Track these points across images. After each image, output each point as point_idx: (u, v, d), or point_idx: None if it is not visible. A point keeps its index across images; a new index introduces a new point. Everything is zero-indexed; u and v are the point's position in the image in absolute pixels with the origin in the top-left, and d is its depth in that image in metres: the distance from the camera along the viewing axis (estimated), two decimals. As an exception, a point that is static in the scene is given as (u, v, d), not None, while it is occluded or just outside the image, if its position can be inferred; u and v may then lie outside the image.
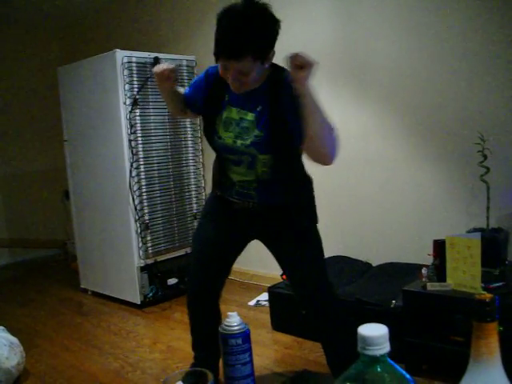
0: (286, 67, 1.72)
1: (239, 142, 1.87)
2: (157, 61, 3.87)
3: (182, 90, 2.13)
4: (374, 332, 0.66)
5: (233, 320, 1.26)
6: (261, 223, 2.05)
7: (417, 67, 3.21)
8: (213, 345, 2.20)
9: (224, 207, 2.08)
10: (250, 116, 1.86)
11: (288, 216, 2.00)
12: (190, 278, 2.27)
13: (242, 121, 1.87)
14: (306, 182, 2.07)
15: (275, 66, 1.87)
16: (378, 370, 0.68)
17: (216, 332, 2.16)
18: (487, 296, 0.74)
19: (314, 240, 2.06)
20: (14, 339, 2.87)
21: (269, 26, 1.67)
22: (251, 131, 1.84)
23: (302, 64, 1.59)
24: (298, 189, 2.03)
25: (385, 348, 0.67)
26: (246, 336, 1.26)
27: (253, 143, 1.84)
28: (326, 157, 1.73)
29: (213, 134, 1.95)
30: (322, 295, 2.06)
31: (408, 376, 0.69)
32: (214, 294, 2.24)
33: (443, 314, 2.42)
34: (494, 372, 0.72)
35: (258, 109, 1.85)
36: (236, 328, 1.25)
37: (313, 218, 2.08)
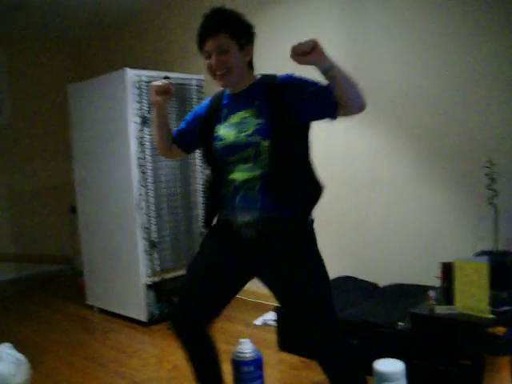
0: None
1: (242, 134, 1.89)
2: (166, 80, 3.91)
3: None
4: (391, 368, 0.67)
5: (245, 347, 1.26)
6: (261, 254, 1.91)
7: (425, 89, 3.24)
8: (213, 375, 2.09)
9: (221, 240, 2.00)
10: (249, 111, 1.91)
11: (290, 248, 1.89)
12: (177, 306, 2.15)
13: (242, 119, 1.92)
14: (314, 189, 1.94)
15: (266, 74, 2.00)
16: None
17: (213, 361, 2.09)
18: (500, 329, 0.75)
19: (318, 278, 1.91)
20: (21, 356, 2.87)
21: (240, 16, 1.91)
22: (252, 122, 1.88)
23: (303, 51, 1.66)
24: (303, 194, 1.90)
25: None
26: (258, 363, 1.27)
27: (255, 130, 1.86)
28: (359, 107, 1.78)
29: (214, 140, 1.95)
30: (330, 340, 1.89)
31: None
32: (200, 326, 2.08)
33: (451, 338, 2.41)
34: (507, 406, 0.73)
35: (256, 103, 1.91)
36: (248, 355, 1.26)
37: (314, 248, 1.94)
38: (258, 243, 1.90)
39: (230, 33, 1.84)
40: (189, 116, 2.16)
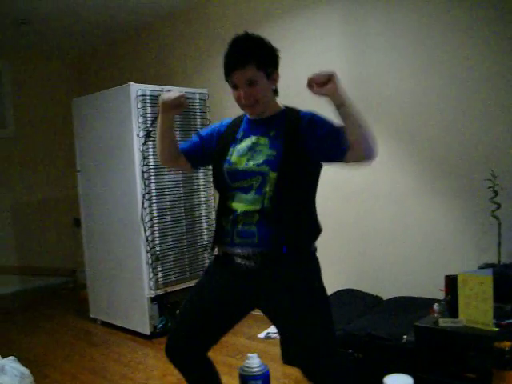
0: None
1: (251, 162, 1.88)
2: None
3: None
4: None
5: (253, 361, 1.27)
6: (260, 285, 1.89)
7: (427, 101, 3.26)
8: None
9: (224, 270, 1.98)
10: (263, 139, 1.91)
11: (289, 280, 1.86)
12: (173, 333, 2.10)
13: (255, 145, 1.91)
14: (312, 230, 1.94)
15: (291, 107, 1.98)
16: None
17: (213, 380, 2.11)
18: (506, 344, 0.76)
19: (319, 309, 1.89)
20: (25, 370, 2.86)
21: (266, 43, 1.88)
22: (264, 152, 1.88)
23: (319, 82, 1.66)
24: (300, 232, 1.89)
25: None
26: (265, 378, 1.28)
27: (265, 161, 1.86)
28: (370, 152, 1.79)
29: (224, 164, 1.95)
30: (327, 365, 1.88)
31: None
32: (195, 354, 2.06)
33: (455, 350, 2.41)
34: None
35: (272, 133, 1.90)
36: (256, 370, 1.26)
37: (316, 281, 1.91)
38: (258, 274, 1.88)
39: (258, 64, 1.81)
40: (204, 131, 2.13)
